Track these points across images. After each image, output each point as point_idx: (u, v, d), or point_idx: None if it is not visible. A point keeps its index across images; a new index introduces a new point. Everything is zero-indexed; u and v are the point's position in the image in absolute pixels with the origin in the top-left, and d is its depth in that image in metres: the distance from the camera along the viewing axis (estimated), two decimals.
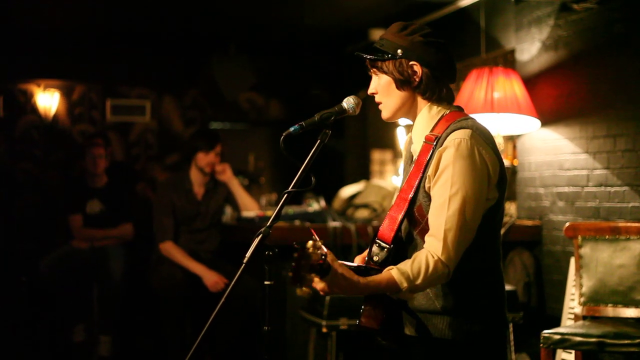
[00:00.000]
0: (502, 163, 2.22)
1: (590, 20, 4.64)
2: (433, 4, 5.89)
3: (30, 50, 7.18)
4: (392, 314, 2.23)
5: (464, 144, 2.13)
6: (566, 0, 4.75)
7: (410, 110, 2.29)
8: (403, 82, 2.24)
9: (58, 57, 7.32)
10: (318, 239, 2.01)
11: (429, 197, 2.17)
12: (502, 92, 4.83)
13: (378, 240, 2.26)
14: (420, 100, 2.28)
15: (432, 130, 2.23)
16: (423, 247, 2.14)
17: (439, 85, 2.26)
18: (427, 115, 2.27)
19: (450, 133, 2.17)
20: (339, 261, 2.07)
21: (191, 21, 6.85)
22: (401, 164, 2.51)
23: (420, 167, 2.20)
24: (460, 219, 2.09)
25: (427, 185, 2.18)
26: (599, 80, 4.59)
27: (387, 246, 2.23)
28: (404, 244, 2.26)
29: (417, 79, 2.24)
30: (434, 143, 2.19)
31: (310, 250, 1.93)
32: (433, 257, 2.08)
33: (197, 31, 7.26)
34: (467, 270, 2.16)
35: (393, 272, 2.08)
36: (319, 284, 2.02)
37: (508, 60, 5.41)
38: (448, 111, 2.27)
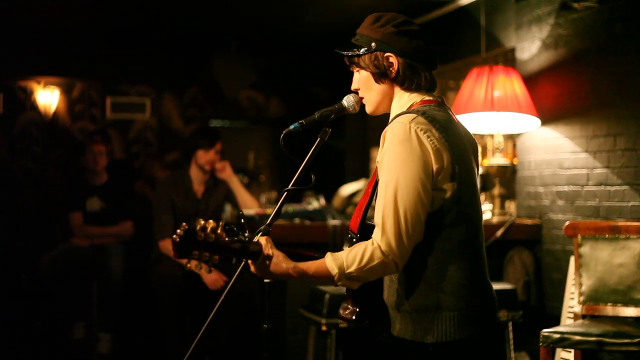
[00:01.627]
0: (459, 155, 2.11)
1: (590, 19, 4.63)
2: (433, 2, 5.89)
3: (30, 48, 7.18)
4: (369, 309, 2.23)
5: (401, 127, 2.07)
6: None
7: (390, 102, 2.26)
8: (381, 74, 2.21)
9: (58, 54, 7.32)
10: (222, 221, 2.06)
11: None
12: (502, 91, 4.83)
13: (349, 232, 2.26)
14: (398, 91, 2.24)
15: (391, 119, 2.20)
16: None
17: (417, 74, 2.21)
18: (398, 104, 2.23)
19: (395, 119, 2.13)
20: (272, 246, 2.10)
21: (191, 19, 6.85)
22: None
23: None
24: (395, 205, 2.04)
25: (378, 173, 2.15)
26: (599, 79, 4.59)
27: (355, 236, 2.22)
28: (371, 233, 2.20)
29: (393, 70, 2.20)
30: None
31: (198, 228, 1.99)
32: (373, 244, 2.05)
33: (197, 29, 7.26)
34: (431, 269, 2.10)
35: (327, 259, 2.07)
36: (251, 267, 2.13)
37: (508, 59, 5.41)
38: (419, 99, 2.21)
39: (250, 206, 5.20)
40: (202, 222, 2.00)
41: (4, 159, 7.16)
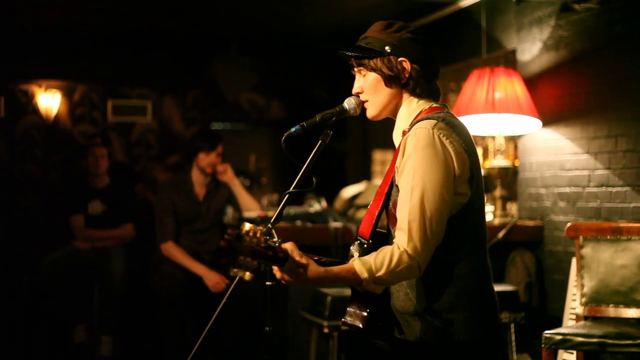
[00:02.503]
0: (475, 161, 2.17)
1: (591, 20, 4.63)
2: (434, 4, 5.89)
3: (31, 51, 7.18)
4: (376, 314, 2.21)
5: (425, 133, 2.09)
6: (567, 1, 4.75)
7: (395, 107, 2.27)
8: (392, 78, 2.22)
9: (59, 57, 7.33)
10: (262, 226, 2.01)
11: (398, 191, 2.15)
12: (503, 93, 4.83)
13: (359, 237, 2.25)
14: (405, 97, 2.26)
15: (409, 125, 2.22)
16: None
17: (427, 82, 2.25)
18: (407, 111, 2.25)
19: (416, 124, 2.15)
20: (299, 252, 2.06)
21: (193, 21, 6.86)
22: None
23: (395, 162, 2.19)
24: (422, 209, 2.05)
25: (396, 178, 2.16)
26: (600, 81, 4.59)
27: (366, 242, 2.22)
28: (383, 240, 2.23)
29: (406, 75, 2.22)
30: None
31: (243, 232, 1.94)
32: (399, 248, 2.05)
33: (198, 31, 7.27)
34: (445, 271, 2.13)
35: (355, 262, 2.06)
36: (277, 273, 2.06)
37: (509, 61, 5.41)
38: (427, 106, 2.24)
39: (251, 208, 5.19)
40: (247, 226, 1.96)
41: (6, 162, 7.17)
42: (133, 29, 7.09)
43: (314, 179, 2.25)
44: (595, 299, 3.98)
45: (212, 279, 4.83)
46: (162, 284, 4.92)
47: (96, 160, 5.76)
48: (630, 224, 3.98)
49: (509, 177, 5.21)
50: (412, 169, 2.09)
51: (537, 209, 5.09)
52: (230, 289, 2.17)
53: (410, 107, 2.25)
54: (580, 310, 4.00)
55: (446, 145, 2.09)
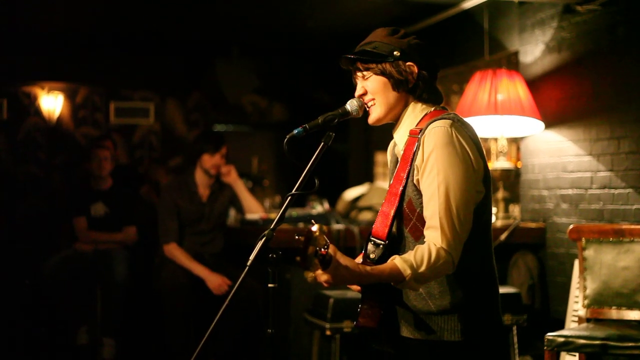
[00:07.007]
0: (485, 161, 2.20)
1: (593, 22, 4.63)
2: (436, 6, 5.89)
3: (34, 53, 7.20)
4: (389, 313, 2.22)
5: (443, 131, 2.12)
6: (570, 2, 4.75)
7: (399, 112, 2.29)
8: (400, 82, 2.24)
9: (62, 60, 7.34)
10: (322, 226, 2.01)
11: (418, 192, 2.16)
12: (505, 94, 4.83)
13: (373, 238, 2.26)
14: (410, 102, 2.29)
15: (416, 126, 2.24)
16: (414, 245, 2.13)
17: (433, 85, 2.29)
18: (412, 113, 2.28)
19: (431, 124, 2.18)
20: (340, 253, 2.06)
21: (194, 24, 6.86)
22: None
23: (407, 160, 2.20)
24: (450, 205, 2.08)
25: (415, 178, 2.17)
26: (602, 83, 4.59)
27: (383, 242, 2.23)
28: (398, 241, 2.25)
29: (413, 80, 2.25)
30: (419, 135, 2.18)
31: (317, 233, 1.93)
32: (435, 245, 2.07)
33: (200, 34, 7.27)
34: (459, 269, 2.14)
35: (396, 260, 2.07)
36: (322, 276, 2.02)
37: (511, 62, 5.41)
38: (432, 109, 2.27)
39: (255, 210, 5.19)
40: (316, 226, 1.95)
41: (8, 164, 7.18)
42: (135, 31, 7.10)
43: (316, 181, 2.25)
44: (597, 301, 3.98)
45: (214, 281, 4.82)
46: (165, 286, 4.91)
47: (99, 163, 5.76)
48: (633, 226, 3.97)
49: (512, 179, 5.21)
50: (434, 167, 2.11)
51: (539, 211, 5.08)
52: (233, 291, 2.16)
53: (415, 110, 2.27)
54: (582, 312, 4.00)
55: (463, 143, 2.13)
